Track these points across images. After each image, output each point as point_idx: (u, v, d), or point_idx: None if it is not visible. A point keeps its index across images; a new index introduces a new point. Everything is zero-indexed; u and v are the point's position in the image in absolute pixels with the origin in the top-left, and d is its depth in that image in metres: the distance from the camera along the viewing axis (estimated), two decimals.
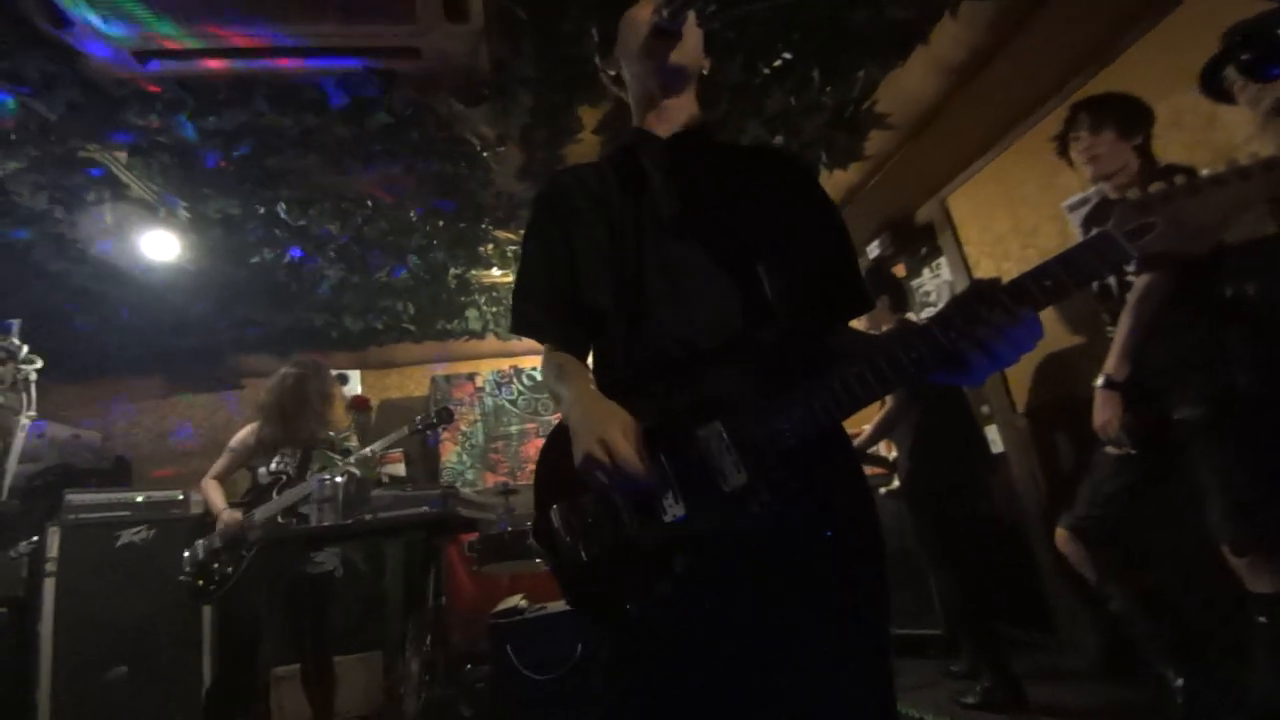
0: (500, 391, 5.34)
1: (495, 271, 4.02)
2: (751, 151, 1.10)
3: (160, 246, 3.19)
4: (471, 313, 4.59)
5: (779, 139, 2.93)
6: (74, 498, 3.45)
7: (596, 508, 0.87)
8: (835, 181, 3.30)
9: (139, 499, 3.57)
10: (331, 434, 2.76)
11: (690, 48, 1.03)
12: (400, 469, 4.61)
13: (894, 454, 3.02)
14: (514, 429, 5.28)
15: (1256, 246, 1.80)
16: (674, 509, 0.83)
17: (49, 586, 3.17)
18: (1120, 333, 1.88)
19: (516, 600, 2.33)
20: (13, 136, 2.42)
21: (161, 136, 2.57)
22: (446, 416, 2.60)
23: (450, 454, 5.08)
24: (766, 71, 2.47)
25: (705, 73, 1.11)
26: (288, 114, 2.41)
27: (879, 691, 0.84)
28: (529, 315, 1.07)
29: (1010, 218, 3.14)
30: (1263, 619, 1.70)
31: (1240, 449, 1.70)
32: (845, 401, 0.81)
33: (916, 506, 2.76)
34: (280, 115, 2.40)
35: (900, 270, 4.33)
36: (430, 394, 5.25)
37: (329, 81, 2.34)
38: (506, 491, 3.82)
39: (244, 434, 2.84)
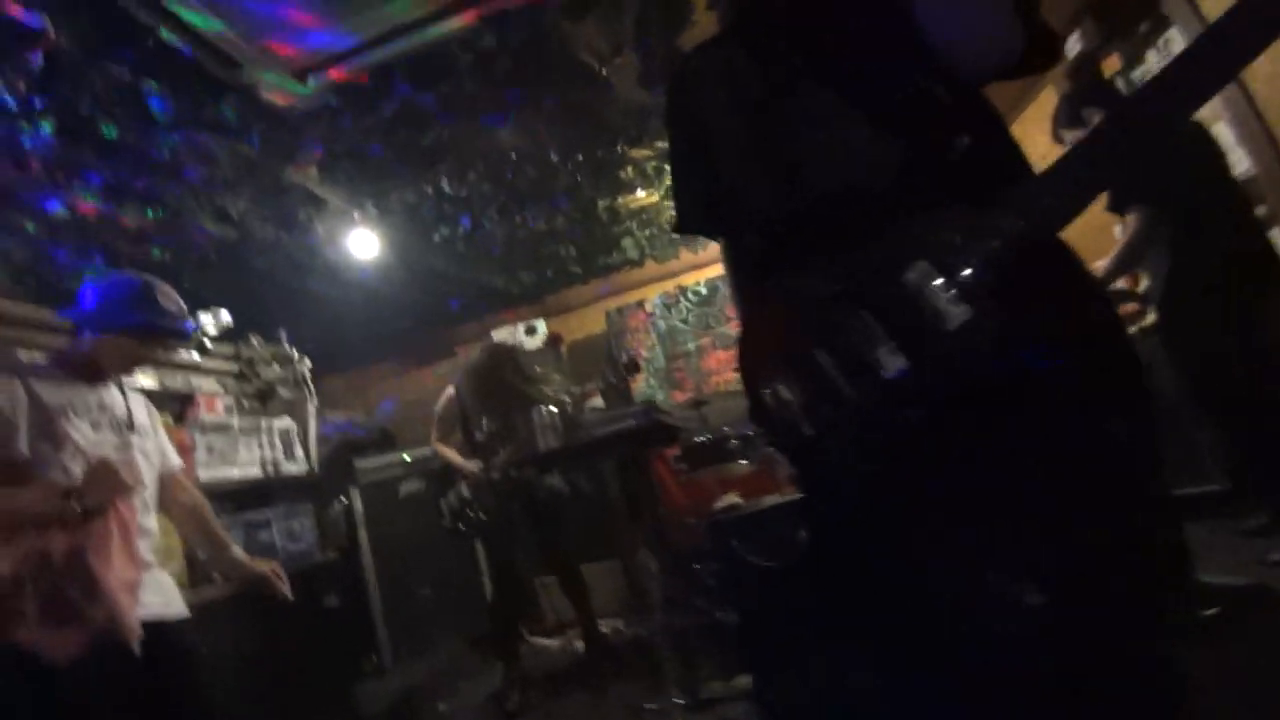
0: (670, 313, 5.44)
1: (640, 194, 4.01)
2: None
3: (364, 245, 3.67)
4: (627, 241, 4.67)
5: None
6: (361, 463, 4.28)
7: (805, 382, 0.83)
8: None
9: (407, 458, 4.33)
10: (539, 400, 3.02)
11: None
12: (598, 402, 4.99)
13: (1143, 285, 2.49)
14: (690, 346, 5.39)
15: None
16: (893, 364, 0.75)
17: (364, 535, 4.01)
18: None
19: (731, 498, 2.42)
20: (228, 177, 2.89)
21: (336, 145, 2.89)
22: (633, 368, 2.70)
23: (639, 382, 5.35)
24: None
25: None
26: (425, 87, 2.56)
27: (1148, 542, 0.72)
28: (687, 216, 1.05)
29: None
30: None
31: None
32: (1049, 210, 0.69)
33: (1180, 344, 2.27)
34: (420, 90, 2.56)
35: (1114, 63, 3.48)
36: (607, 329, 5.52)
37: (448, 43, 2.42)
38: (698, 403, 3.92)
39: (443, 403, 3.22)
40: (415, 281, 4.40)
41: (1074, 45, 3.40)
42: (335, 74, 2.42)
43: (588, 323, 5.75)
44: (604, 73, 2.68)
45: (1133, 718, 0.73)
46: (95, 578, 1.34)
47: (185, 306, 1.69)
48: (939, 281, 0.72)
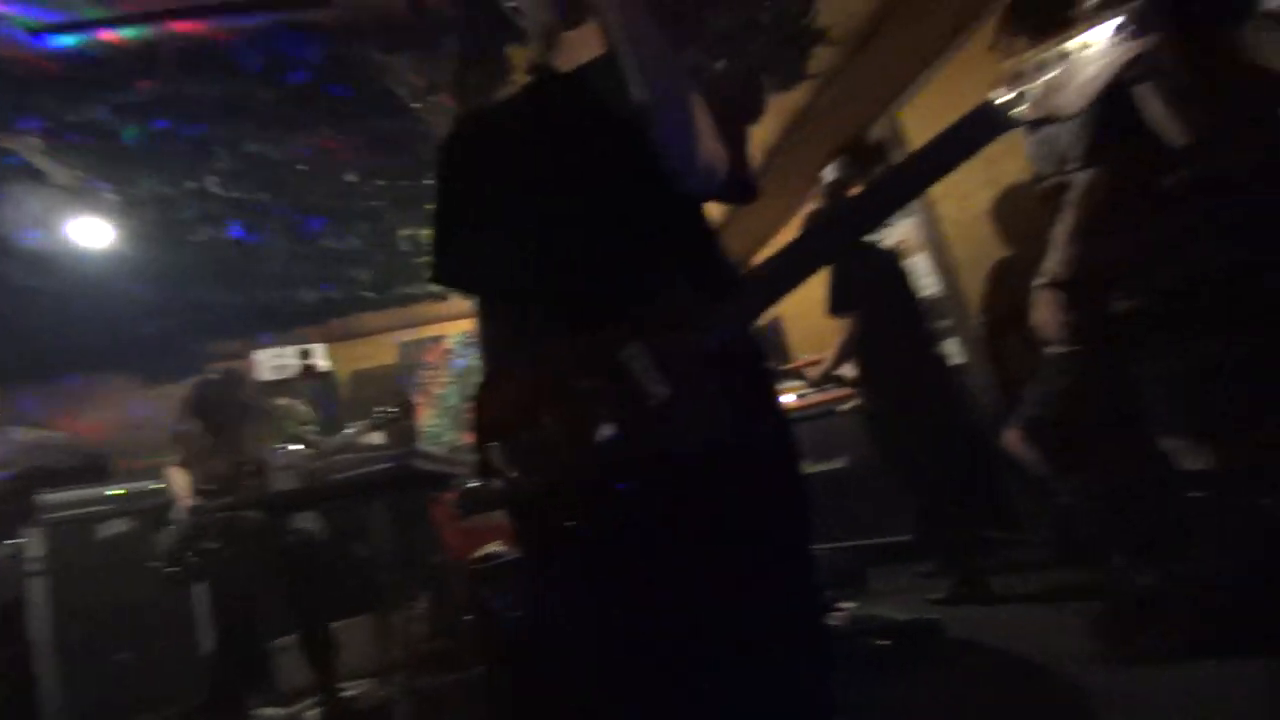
0: (469, 352, 5.32)
1: None
2: None
3: (92, 233, 3.07)
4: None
5: (720, 64, 2.85)
6: (49, 497, 3.44)
7: (534, 443, 0.89)
8: (782, 104, 3.24)
9: (117, 492, 3.57)
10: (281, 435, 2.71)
11: None
12: (378, 437, 4.64)
13: (853, 373, 3.09)
14: None
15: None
16: (604, 431, 0.85)
17: (38, 585, 3.19)
18: (1061, 231, 1.89)
19: (493, 546, 2.39)
20: None
21: (72, 116, 2.43)
22: (406, 411, 2.58)
23: (426, 418, 5.10)
24: None
25: None
26: (201, 81, 2.29)
27: (803, 603, 0.90)
28: (449, 264, 1.06)
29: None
30: (1197, 494, 1.80)
31: (1187, 341, 1.74)
32: (754, 309, 0.84)
33: (879, 420, 2.85)
34: (193, 83, 2.28)
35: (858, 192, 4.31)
36: (400, 360, 5.22)
37: (239, 41, 2.21)
38: None
39: (182, 426, 2.78)
40: (163, 284, 3.76)
41: (830, 173, 4.16)
42: (77, 41, 2.06)
43: (379, 351, 5.37)
44: (416, 106, 2.63)
45: None
46: None
47: None
48: (647, 362, 0.84)
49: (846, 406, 3.25)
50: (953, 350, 3.43)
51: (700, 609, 0.88)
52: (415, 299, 4.82)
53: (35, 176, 2.72)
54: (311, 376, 4.63)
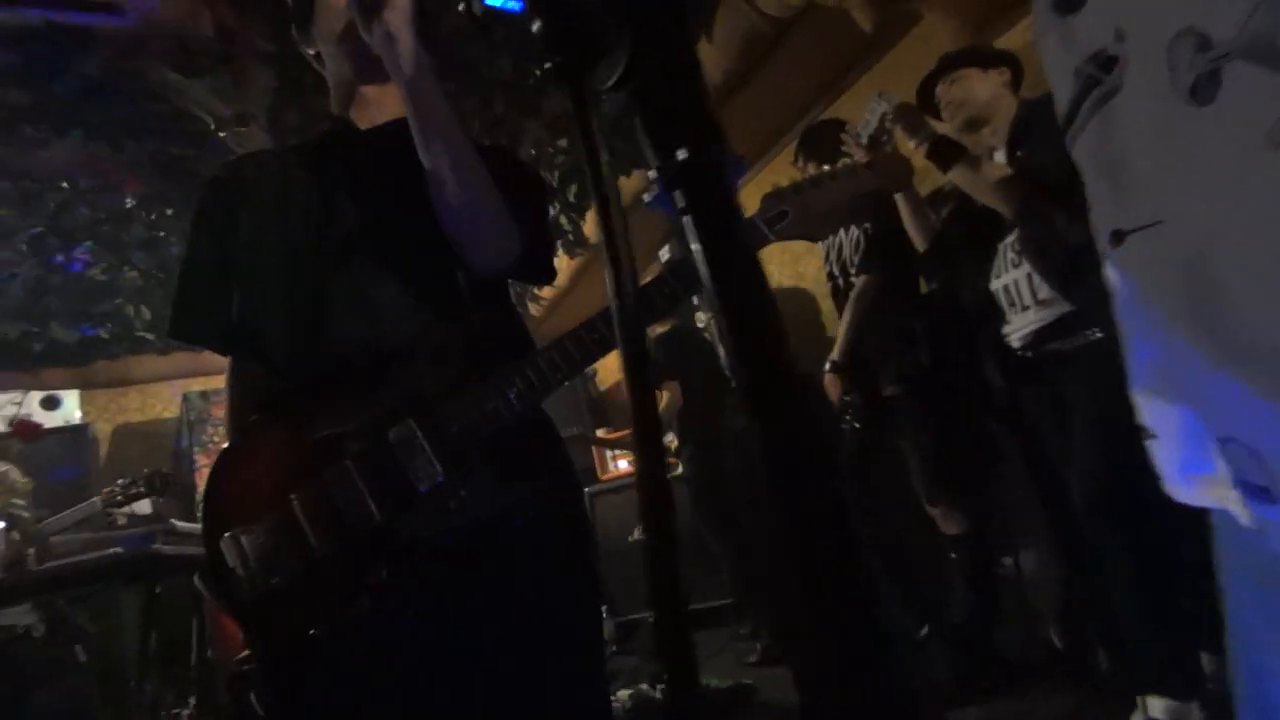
0: None
1: None
2: None
3: None
4: None
5: (562, 142, 2.97)
6: None
7: (278, 529, 0.79)
8: (626, 186, 3.42)
9: None
10: None
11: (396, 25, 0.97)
12: (145, 506, 3.88)
13: (675, 443, 3.24)
14: None
15: (938, 253, 2.20)
16: (365, 517, 0.78)
17: None
18: (843, 324, 2.19)
19: None
20: None
21: None
22: (158, 485, 2.11)
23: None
24: (538, 72, 2.47)
25: None
26: None
27: (586, 684, 0.87)
28: (186, 322, 0.96)
29: (775, 246, 3.50)
30: (954, 554, 2.10)
31: (926, 417, 2.07)
32: (539, 385, 0.83)
33: (696, 491, 2.99)
34: None
35: None
36: (182, 414, 4.48)
37: None
38: None
39: None
40: None
41: (666, 253, 4.44)
42: None
43: (155, 402, 4.59)
44: (222, 135, 2.39)
45: None
46: None
47: None
48: (420, 441, 0.79)
49: (678, 473, 3.36)
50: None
51: (471, 702, 0.81)
52: None
53: None
54: (31, 436, 3.68)
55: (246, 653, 2.06)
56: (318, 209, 0.92)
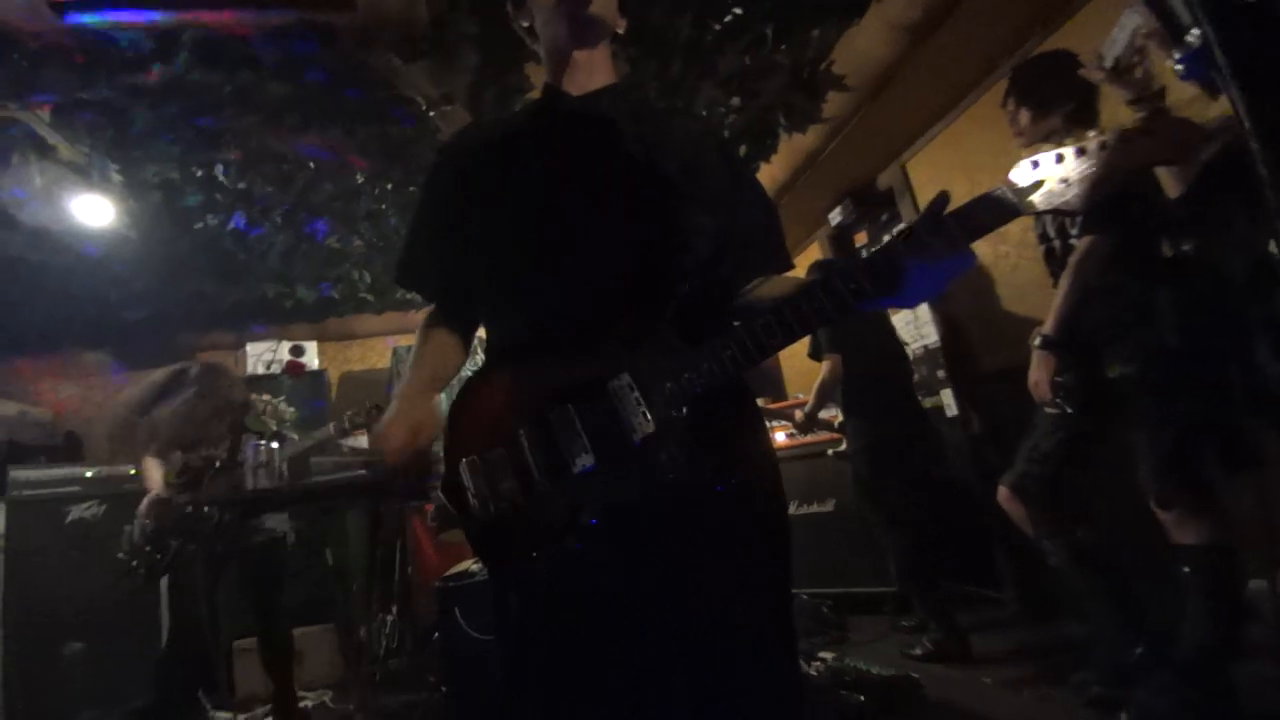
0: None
1: None
2: (664, 115, 1.09)
3: (94, 211, 3.05)
4: None
5: (735, 101, 2.89)
6: (19, 474, 3.37)
7: (506, 461, 0.86)
8: (794, 146, 3.27)
9: (88, 474, 3.50)
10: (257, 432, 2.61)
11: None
12: (364, 442, 4.57)
13: (839, 417, 3.07)
14: None
15: (1194, 207, 1.82)
16: (583, 460, 0.83)
17: None
18: (1059, 293, 1.90)
19: (468, 564, 2.33)
20: None
21: (85, 94, 2.43)
22: (377, 414, 2.46)
23: None
24: (717, 28, 2.40)
25: (620, 32, 1.06)
26: (217, 70, 2.30)
27: (776, 650, 0.86)
28: (414, 267, 1.07)
29: (967, 183, 3.14)
30: (1187, 569, 1.76)
31: (1166, 406, 1.74)
32: (754, 350, 0.82)
33: (863, 467, 2.82)
34: (208, 71, 2.28)
35: (862, 237, 4.34)
36: (392, 366, 5.17)
37: (259, 36, 2.23)
38: None
39: (168, 413, 2.72)
40: (159, 268, 3.74)
41: (835, 217, 4.19)
42: (98, 19, 2.07)
43: (371, 355, 5.34)
44: (430, 114, 2.65)
45: None
46: None
47: None
48: (635, 395, 0.82)
49: (841, 449, 3.22)
50: (947, 401, 3.42)
51: (668, 651, 0.84)
52: (412, 304, 4.81)
53: (43, 150, 2.72)
54: (298, 374, 4.57)
55: (452, 571, 2.33)
56: (539, 172, 0.98)
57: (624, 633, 0.86)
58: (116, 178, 2.86)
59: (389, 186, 3.13)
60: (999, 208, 0.76)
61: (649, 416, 0.82)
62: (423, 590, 3.72)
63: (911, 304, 0.82)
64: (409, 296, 4.64)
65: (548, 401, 0.85)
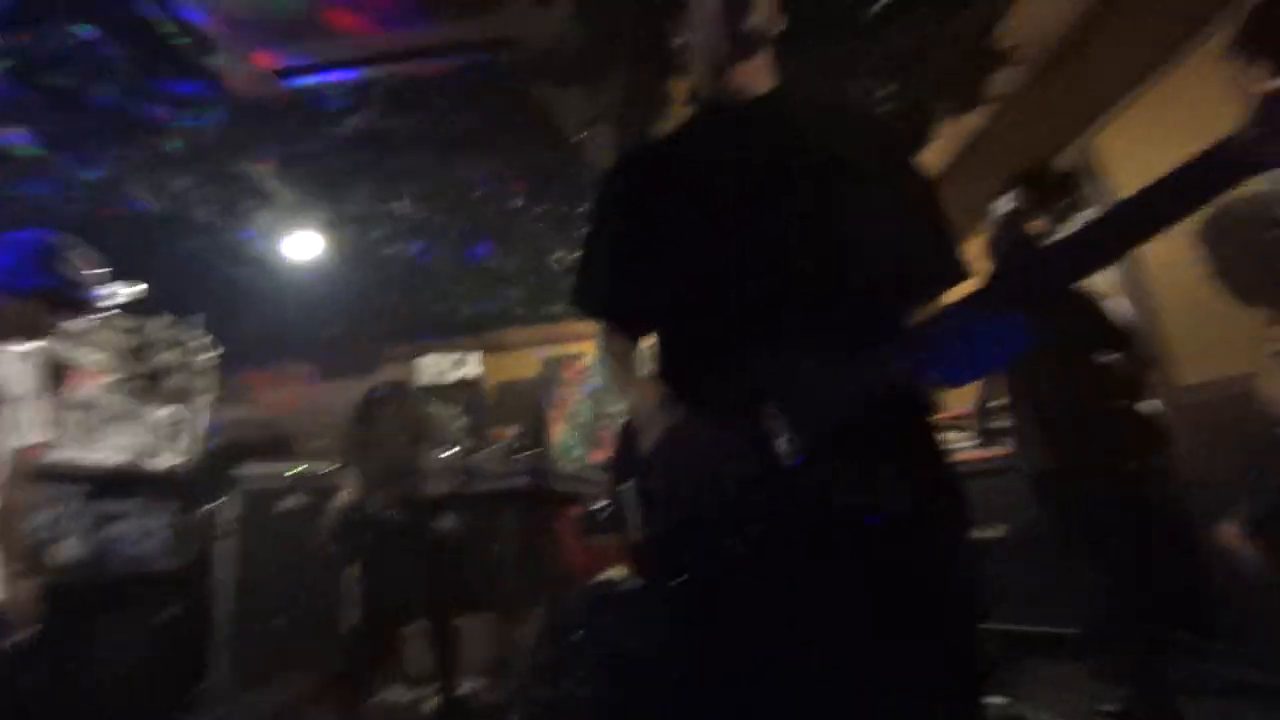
0: (602, 373, 5.48)
1: None
2: (833, 117, 1.03)
3: (306, 246, 3.57)
4: None
5: (893, 86, 2.71)
6: (244, 470, 4.00)
7: (675, 481, 0.86)
8: (957, 127, 2.99)
9: (293, 471, 4.07)
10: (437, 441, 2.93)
11: (763, 5, 0.97)
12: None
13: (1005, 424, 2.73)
14: (618, 408, 5.40)
15: None
16: (746, 476, 0.81)
17: (229, 548, 3.70)
18: None
19: (618, 571, 2.39)
20: (176, 153, 2.79)
21: (300, 147, 2.85)
22: (539, 423, 2.66)
23: (560, 432, 5.31)
24: (875, 9, 2.27)
25: (781, 30, 1.03)
26: (399, 115, 2.59)
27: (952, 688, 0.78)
28: (590, 292, 1.08)
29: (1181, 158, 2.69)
30: None
31: None
32: (918, 361, 0.77)
33: (1046, 486, 2.47)
34: (394, 118, 2.58)
35: (1039, 226, 3.87)
36: (541, 374, 5.50)
37: (434, 82, 2.48)
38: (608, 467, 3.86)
39: (353, 431, 3.09)
40: (352, 292, 4.30)
41: (1004, 205, 3.77)
42: (312, 82, 2.43)
43: (523, 365, 5.70)
44: (577, 140, 2.78)
45: None
46: None
47: (102, 271, 1.55)
48: (780, 419, 0.80)
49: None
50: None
51: (821, 682, 0.79)
52: (560, 318, 5.08)
53: (263, 197, 3.23)
54: (467, 385, 5.02)
55: (602, 577, 2.41)
56: (706, 182, 0.97)
57: (774, 661, 0.82)
58: (322, 215, 3.33)
59: (538, 210, 3.34)
60: (1228, 166, 0.65)
61: (794, 443, 0.79)
62: (568, 589, 3.87)
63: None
64: (556, 309, 4.91)
65: (717, 418, 0.85)
